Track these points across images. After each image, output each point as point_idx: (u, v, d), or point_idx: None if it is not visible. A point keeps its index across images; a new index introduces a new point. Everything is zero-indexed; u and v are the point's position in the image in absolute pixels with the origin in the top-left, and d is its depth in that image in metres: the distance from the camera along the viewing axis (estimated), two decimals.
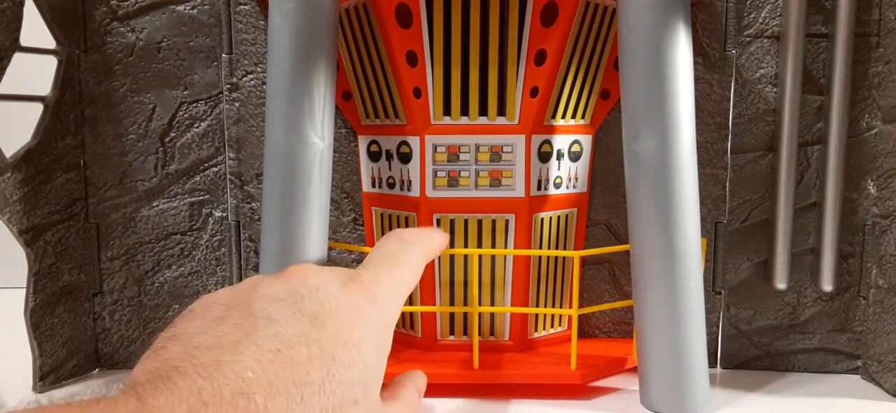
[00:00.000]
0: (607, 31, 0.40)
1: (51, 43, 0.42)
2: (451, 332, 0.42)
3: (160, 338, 0.23)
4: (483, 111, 0.39)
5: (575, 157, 0.42)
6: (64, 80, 0.42)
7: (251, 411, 0.20)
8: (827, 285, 0.43)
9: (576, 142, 0.41)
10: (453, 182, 0.39)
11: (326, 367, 0.23)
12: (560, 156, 0.41)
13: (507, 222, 0.40)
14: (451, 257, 0.41)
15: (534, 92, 0.38)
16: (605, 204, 0.44)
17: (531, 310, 0.41)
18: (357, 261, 0.45)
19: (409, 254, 0.30)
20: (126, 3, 0.43)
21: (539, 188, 0.40)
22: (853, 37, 0.40)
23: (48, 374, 0.41)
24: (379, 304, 0.26)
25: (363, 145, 0.43)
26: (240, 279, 0.45)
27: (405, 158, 0.40)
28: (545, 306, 0.43)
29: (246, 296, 0.24)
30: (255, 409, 0.20)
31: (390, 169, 0.41)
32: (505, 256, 0.41)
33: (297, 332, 0.23)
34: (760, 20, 0.42)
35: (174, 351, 0.21)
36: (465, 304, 0.41)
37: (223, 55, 0.43)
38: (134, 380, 0.21)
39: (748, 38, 0.42)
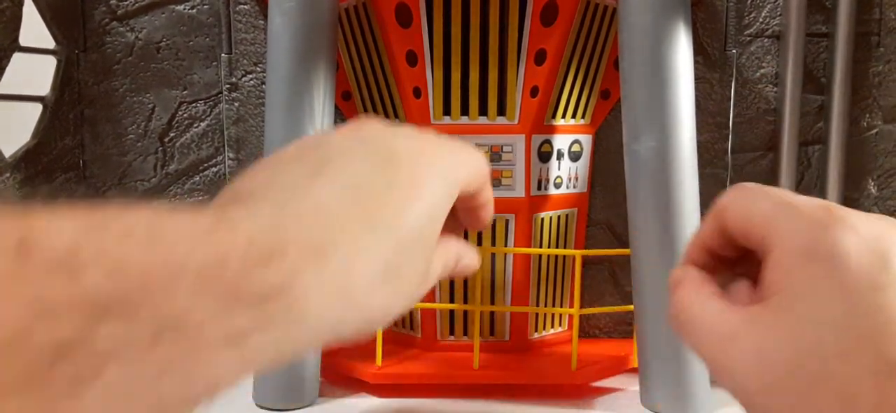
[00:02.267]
0: (607, 30, 0.40)
1: (50, 43, 0.42)
2: (452, 333, 0.42)
3: (236, 178, 0.24)
4: (483, 111, 0.39)
5: (575, 156, 0.41)
6: (63, 80, 0.42)
7: (327, 231, 0.21)
8: None
9: (576, 141, 0.41)
10: None
11: (400, 206, 0.23)
12: (560, 156, 0.41)
13: (507, 222, 0.40)
14: None
15: (534, 92, 0.38)
16: (606, 204, 0.44)
17: (532, 309, 0.41)
18: None
19: (481, 158, 0.31)
20: (125, 3, 0.43)
21: (539, 188, 0.40)
22: (854, 36, 0.40)
23: None
24: (449, 158, 0.26)
25: None
26: None
27: None
28: (546, 305, 0.43)
29: (319, 142, 0.25)
30: (331, 231, 0.21)
31: None
32: (505, 256, 0.41)
33: (370, 170, 0.23)
34: (761, 20, 0.42)
35: (251, 182, 0.22)
36: (466, 303, 0.41)
37: (223, 55, 0.43)
38: (213, 203, 0.21)
39: (749, 38, 0.42)
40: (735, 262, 0.26)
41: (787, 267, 0.22)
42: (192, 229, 0.17)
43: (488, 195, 0.31)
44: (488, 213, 0.30)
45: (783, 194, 0.24)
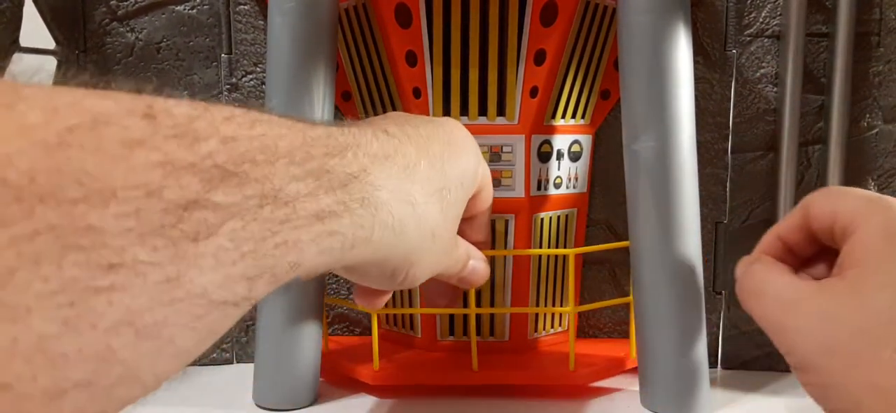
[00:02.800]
0: (607, 31, 0.40)
1: (50, 44, 0.42)
2: (451, 333, 0.42)
3: None
4: (483, 111, 0.39)
5: (575, 157, 0.41)
6: (64, 81, 0.42)
7: (391, 143, 0.25)
8: None
9: (576, 142, 0.41)
10: None
11: (445, 151, 0.27)
12: (560, 156, 0.41)
13: (506, 222, 0.40)
14: None
15: (533, 92, 0.38)
16: (606, 204, 0.44)
17: (530, 309, 0.41)
18: None
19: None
20: (125, 3, 0.43)
21: (539, 188, 0.40)
22: (854, 36, 0.40)
23: None
24: (478, 155, 0.31)
25: None
26: None
27: None
28: (545, 305, 0.43)
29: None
30: (395, 144, 0.25)
31: None
32: (505, 257, 0.41)
33: (418, 127, 0.28)
34: (761, 19, 0.42)
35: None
36: (465, 304, 0.41)
37: (223, 55, 0.43)
38: None
39: (749, 38, 0.42)
40: (809, 261, 0.27)
41: (867, 245, 0.24)
42: (279, 120, 0.20)
43: (486, 231, 0.34)
44: (485, 270, 0.33)
45: (866, 192, 0.26)
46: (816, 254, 0.28)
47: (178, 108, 0.17)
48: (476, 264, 0.32)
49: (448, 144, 0.28)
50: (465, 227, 0.32)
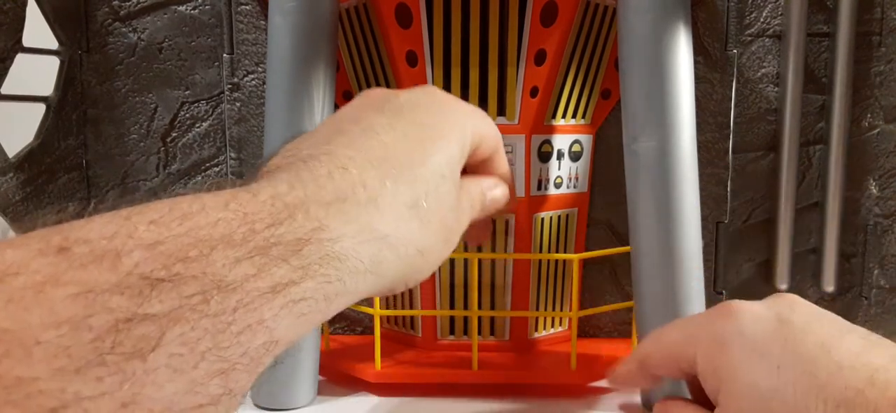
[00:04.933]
0: (608, 31, 0.40)
1: (53, 44, 0.42)
2: (451, 332, 0.42)
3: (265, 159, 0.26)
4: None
5: (575, 156, 0.41)
6: (66, 80, 0.42)
7: (347, 179, 0.22)
8: (829, 286, 0.43)
9: (576, 142, 0.41)
10: None
11: (416, 148, 0.25)
12: (560, 156, 0.41)
13: (507, 222, 0.40)
14: (451, 259, 0.41)
15: (534, 92, 0.38)
16: (606, 203, 0.44)
17: (531, 313, 0.41)
18: None
19: (493, 124, 0.31)
20: (128, 3, 0.43)
21: (539, 188, 0.40)
22: (855, 36, 0.40)
23: None
24: (462, 109, 0.28)
25: None
26: None
27: None
28: (546, 306, 0.43)
29: (348, 111, 0.27)
30: (351, 178, 0.22)
31: None
32: (505, 258, 0.41)
33: (385, 122, 0.25)
34: (762, 19, 0.42)
35: (276, 159, 0.24)
36: (466, 306, 0.41)
37: (224, 55, 0.43)
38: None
39: (749, 38, 0.42)
40: None
41: (708, 379, 0.28)
42: (214, 203, 0.19)
43: (504, 168, 0.32)
44: (504, 191, 0.31)
45: (678, 322, 0.31)
46: None
47: (95, 230, 0.16)
48: (494, 194, 0.30)
49: (421, 131, 0.26)
50: (479, 171, 0.30)
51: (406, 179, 0.24)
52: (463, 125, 0.28)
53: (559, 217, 0.42)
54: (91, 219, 0.17)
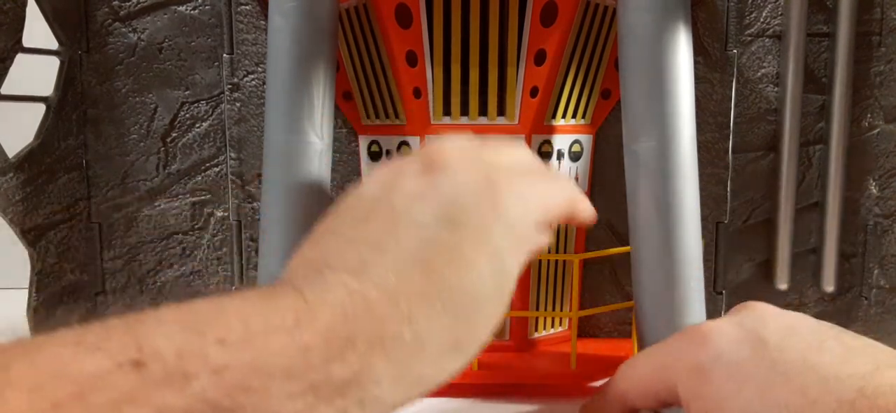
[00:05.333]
0: (608, 31, 0.40)
1: (53, 44, 0.42)
2: None
3: (317, 229, 0.25)
4: (483, 111, 0.39)
5: (575, 156, 0.42)
6: (66, 80, 0.42)
7: (396, 316, 0.21)
8: (828, 286, 0.43)
9: (576, 142, 0.41)
10: None
11: (467, 273, 0.23)
12: (560, 156, 0.41)
13: None
14: None
15: (534, 92, 0.38)
16: (606, 203, 0.44)
17: (532, 313, 0.41)
18: None
19: (561, 178, 0.30)
20: (128, 3, 0.43)
21: None
22: (855, 36, 0.40)
23: None
24: (521, 205, 0.26)
25: (364, 145, 0.43)
26: (241, 279, 0.45)
27: None
28: (546, 306, 0.43)
29: (391, 189, 0.25)
30: (400, 314, 0.21)
31: None
32: None
33: (437, 236, 0.23)
34: (762, 19, 0.42)
35: (327, 245, 0.23)
36: None
37: (224, 55, 0.43)
38: (292, 271, 0.23)
39: (749, 38, 0.42)
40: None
41: (686, 390, 0.28)
42: (278, 323, 0.19)
43: (583, 217, 0.30)
44: (586, 222, 0.30)
45: (649, 352, 0.31)
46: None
47: (169, 347, 0.17)
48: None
49: (480, 246, 0.23)
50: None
51: (453, 315, 0.22)
52: (524, 220, 0.26)
53: None
54: (163, 317, 0.18)
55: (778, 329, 0.26)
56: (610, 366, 0.40)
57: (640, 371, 0.30)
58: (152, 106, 0.44)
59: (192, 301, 0.19)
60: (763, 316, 0.27)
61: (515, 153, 0.29)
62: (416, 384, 0.22)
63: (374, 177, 0.27)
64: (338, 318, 0.20)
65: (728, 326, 0.28)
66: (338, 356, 0.19)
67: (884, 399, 0.22)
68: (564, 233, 0.43)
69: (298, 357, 0.19)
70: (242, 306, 0.19)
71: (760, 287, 0.44)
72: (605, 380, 0.41)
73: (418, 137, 0.39)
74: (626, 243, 0.39)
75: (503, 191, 0.26)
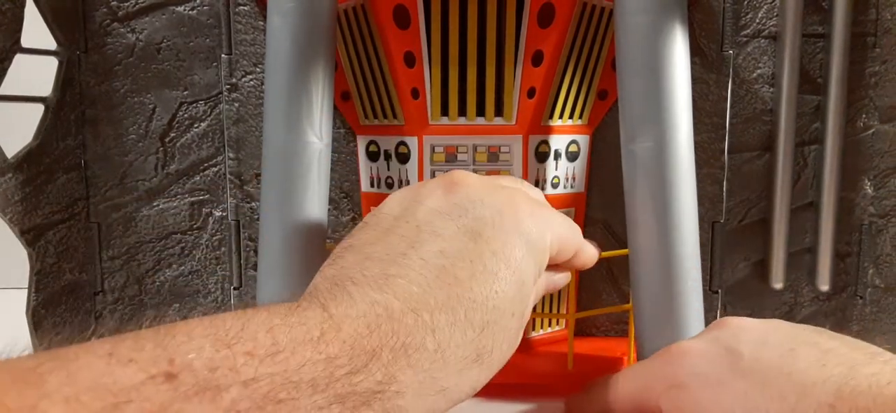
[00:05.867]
0: (605, 31, 0.40)
1: (51, 44, 0.42)
2: None
3: (338, 247, 0.25)
4: (480, 112, 0.39)
5: (572, 157, 0.42)
6: (64, 80, 0.42)
7: (419, 326, 0.21)
8: (824, 285, 0.43)
9: (573, 142, 0.42)
10: None
11: (489, 284, 0.24)
12: (557, 156, 0.41)
13: None
14: None
15: (531, 93, 0.38)
16: (603, 203, 0.44)
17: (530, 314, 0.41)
18: None
19: (572, 222, 0.31)
20: (126, 4, 0.43)
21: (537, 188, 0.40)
22: (850, 37, 0.40)
23: None
24: (539, 225, 0.27)
25: (362, 145, 0.43)
26: (240, 279, 0.45)
27: (403, 159, 0.40)
28: (544, 306, 0.43)
29: (412, 206, 0.26)
30: (423, 325, 0.22)
31: (389, 169, 0.41)
32: None
33: (460, 247, 0.24)
34: (757, 20, 0.42)
35: (349, 261, 0.24)
36: None
37: (223, 56, 0.43)
38: (315, 287, 0.23)
39: (745, 39, 0.42)
40: None
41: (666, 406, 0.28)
42: (303, 337, 0.19)
43: (582, 260, 0.32)
44: (586, 266, 0.32)
45: (626, 373, 0.32)
46: None
47: (200, 359, 0.17)
48: (555, 280, 0.30)
49: (495, 262, 0.24)
50: (557, 267, 0.29)
51: (475, 325, 0.23)
52: (542, 238, 0.27)
53: None
54: (192, 330, 0.18)
55: (751, 341, 0.26)
56: (607, 365, 0.41)
57: (621, 392, 0.30)
58: (151, 106, 0.44)
59: (219, 314, 0.19)
60: (736, 330, 0.28)
61: (531, 187, 0.31)
62: (439, 396, 0.22)
63: (394, 197, 0.27)
64: (362, 330, 0.20)
65: (703, 344, 0.28)
66: (362, 367, 0.20)
67: (862, 398, 0.22)
68: None
69: (324, 369, 0.19)
70: (269, 320, 0.19)
71: (756, 286, 0.44)
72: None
73: (416, 138, 0.39)
74: (623, 243, 0.39)
75: (524, 210, 0.26)
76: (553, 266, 0.30)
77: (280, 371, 0.18)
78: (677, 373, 0.28)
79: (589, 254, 0.32)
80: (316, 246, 0.36)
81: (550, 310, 0.43)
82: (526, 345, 0.43)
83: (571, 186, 0.42)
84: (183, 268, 0.46)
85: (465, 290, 0.23)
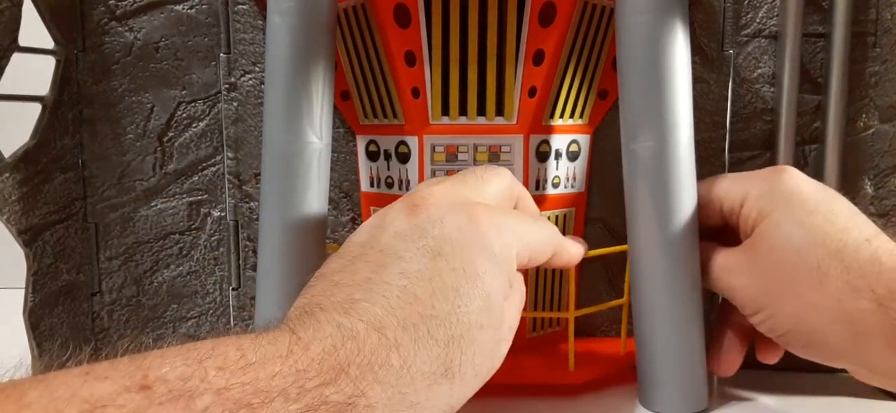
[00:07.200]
0: (605, 31, 0.40)
1: (49, 43, 0.42)
2: None
3: (312, 278, 0.26)
4: (481, 111, 0.39)
5: (573, 156, 0.42)
6: (62, 80, 0.42)
7: (383, 344, 0.22)
8: None
9: (574, 141, 0.41)
10: None
11: (450, 300, 0.24)
12: (558, 156, 0.41)
13: None
14: None
15: (532, 92, 0.38)
16: (603, 202, 0.44)
17: (528, 314, 0.41)
18: None
19: (546, 223, 0.32)
20: (124, 2, 0.43)
21: (537, 188, 0.40)
22: (851, 36, 0.40)
23: None
24: (503, 236, 0.27)
25: (361, 145, 0.43)
26: (239, 280, 0.45)
27: (403, 158, 0.40)
28: (543, 306, 0.43)
29: (377, 233, 0.27)
30: (387, 343, 0.22)
31: (389, 169, 0.41)
32: None
33: (420, 267, 0.25)
34: (758, 20, 0.42)
35: (318, 289, 0.25)
36: None
37: (221, 55, 0.43)
38: (286, 316, 0.24)
39: (746, 38, 0.42)
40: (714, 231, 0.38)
41: (752, 212, 0.35)
42: (273, 354, 0.20)
43: (566, 261, 0.33)
44: (570, 264, 0.34)
45: (728, 174, 0.37)
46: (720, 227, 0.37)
47: (173, 371, 0.18)
48: (566, 252, 0.32)
49: (457, 278, 0.25)
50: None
51: (439, 341, 0.23)
52: (507, 249, 0.27)
53: (557, 217, 0.42)
54: (166, 353, 0.19)
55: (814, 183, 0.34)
56: (607, 365, 0.41)
57: (718, 183, 0.37)
58: (149, 105, 0.44)
59: (191, 342, 0.20)
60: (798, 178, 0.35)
61: (500, 185, 0.31)
62: (410, 410, 0.23)
63: (362, 227, 0.28)
64: (328, 350, 0.21)
65: (803, 176, 0.35)
66: (332, 381, 0.21)
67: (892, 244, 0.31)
68: (563, 233, 0.43)
69: (295, 380, 0.20)
70: (239, 342, 0.20)
71: None
72: (604, 380, 0.41)
73: (416, 137, 0.39)
74: (622, 240, 0.39)
75: (484, 223, 0.27)
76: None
77: (251, 380, 0.19)
78: (783, 181, 0.34)
79: (570, 252, 0.33)
80: (315, 246, 0.36)
81: (551, 309, 0.43)
82: (526, 344, 0.43)
83: (572, 186, 0.42)
84: (181, 268, 0.45)
85: (427, 308, 0.24)
